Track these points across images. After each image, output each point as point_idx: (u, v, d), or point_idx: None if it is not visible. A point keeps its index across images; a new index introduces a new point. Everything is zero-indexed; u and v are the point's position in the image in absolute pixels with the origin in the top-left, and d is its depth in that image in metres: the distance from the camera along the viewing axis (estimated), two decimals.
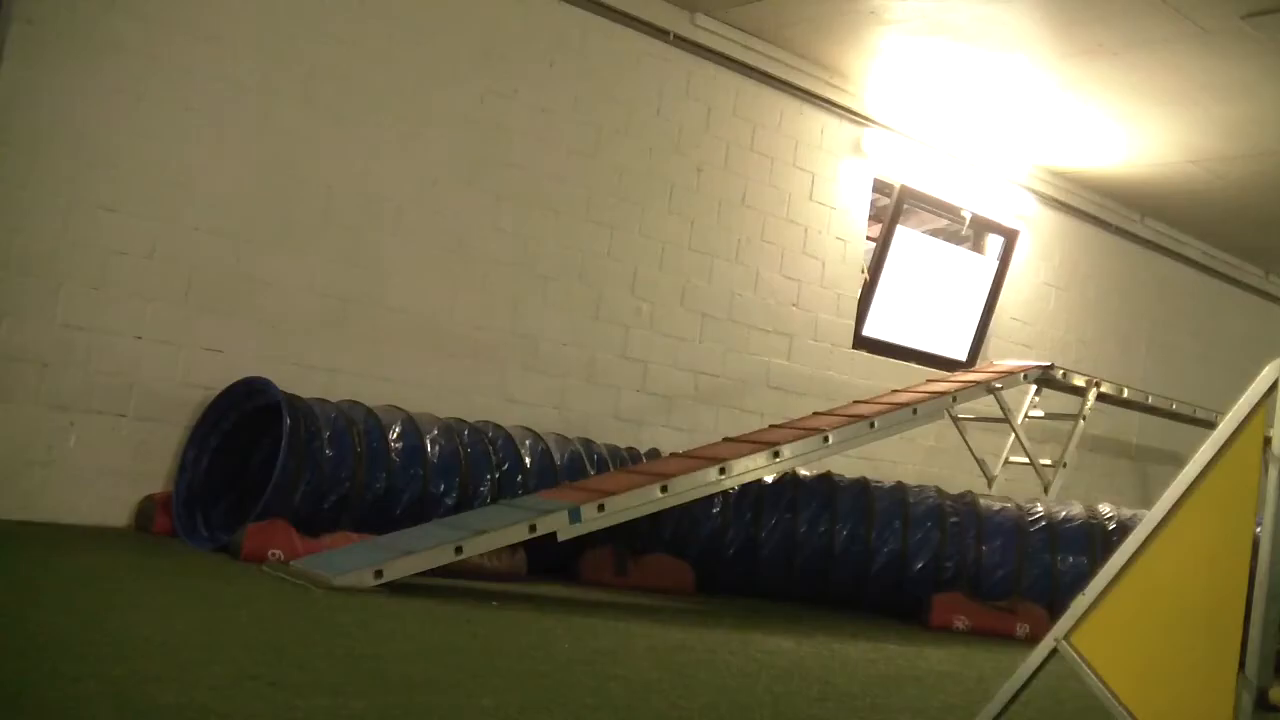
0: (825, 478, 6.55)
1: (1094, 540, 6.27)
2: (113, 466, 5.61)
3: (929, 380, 7.89)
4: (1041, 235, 9.92)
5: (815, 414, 6.90)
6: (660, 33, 7.50)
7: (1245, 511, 2.64)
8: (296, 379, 5.94)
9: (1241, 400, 2.68)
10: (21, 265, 5.37)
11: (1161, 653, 2.70)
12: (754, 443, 6.06)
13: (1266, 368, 2.68)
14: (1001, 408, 7.66)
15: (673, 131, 7.65)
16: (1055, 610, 3.15)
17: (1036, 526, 6.37)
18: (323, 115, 6.24)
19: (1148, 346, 10.70)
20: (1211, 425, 2.76)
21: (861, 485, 6.51)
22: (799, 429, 6.25)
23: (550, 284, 7.12)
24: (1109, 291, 10.56)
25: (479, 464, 5.88)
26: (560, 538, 5.10)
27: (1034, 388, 8.40)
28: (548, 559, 5.73)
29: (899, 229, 8.97)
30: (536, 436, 6.25)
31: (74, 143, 5.50)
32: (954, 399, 7.06)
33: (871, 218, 8.89)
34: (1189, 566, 2.69)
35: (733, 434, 6.68)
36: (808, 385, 8.32)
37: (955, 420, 8.21)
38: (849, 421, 6.31)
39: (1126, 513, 6.54)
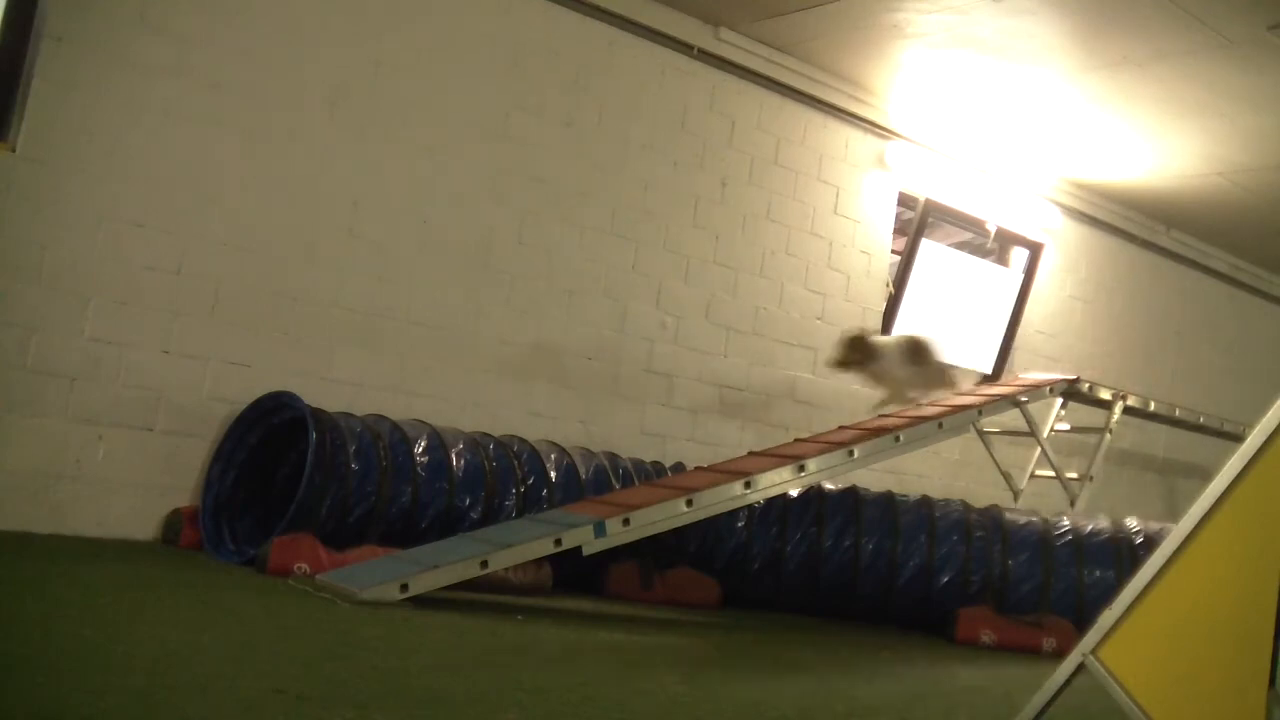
0: (850, 491, 6.54)
1: (1121, 554, 6.24)
2: (140, 480, 5.65)
3: (955, 393, 7.86)
4: (1067, 248, 9.88)
5: (840, 428, 6.87)
6: (685, 47, 7.52)
7: (1274, 525, 2.63)
8: (322, 393, 5.97)
9: (1270, 413, 2.66)
10: (51, 280, 5.42)
11: (1190, 668, 2.68)
12: (779, 456, 6.05)
13: None
14: (1027, 421, 7.62)
15: (697, 146, 7.66)
16: (1082, 624, 3.13)
17: (1063, 540, 6.34)
18: (349, 130, 6.29)
19: (1174, 359, 10.63)
20: (1239, 438, 2.75)
21: (887, 499, 6.49)
22: (824, 443, 6.23)
23: (575, 298, 7.14)
24: (1135, 304, 10.50)
25: (504, 478, 5.89)
26: (585, 552, 5.10)
27: (1060, 401, 8.36)
28: (573, 573, 5.73)
29: (924, 242, 8.95)
30: (562, 451, 6.26)
31: (103, 159, 5.55)
32: (980, 412, 7.03)
33: (896, 231, 8.88)
34: (1217, 580, 2.67)
35: (758, 448, 6.67)
36: (833, 399, 8.30)
37: (981, 434, 8.17)
38: (874, 435, 6.30)
39: (1154, 526, 6.50)
